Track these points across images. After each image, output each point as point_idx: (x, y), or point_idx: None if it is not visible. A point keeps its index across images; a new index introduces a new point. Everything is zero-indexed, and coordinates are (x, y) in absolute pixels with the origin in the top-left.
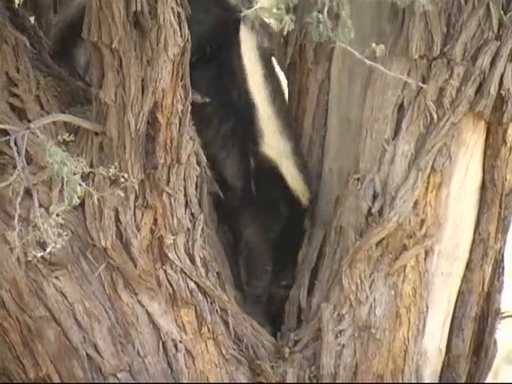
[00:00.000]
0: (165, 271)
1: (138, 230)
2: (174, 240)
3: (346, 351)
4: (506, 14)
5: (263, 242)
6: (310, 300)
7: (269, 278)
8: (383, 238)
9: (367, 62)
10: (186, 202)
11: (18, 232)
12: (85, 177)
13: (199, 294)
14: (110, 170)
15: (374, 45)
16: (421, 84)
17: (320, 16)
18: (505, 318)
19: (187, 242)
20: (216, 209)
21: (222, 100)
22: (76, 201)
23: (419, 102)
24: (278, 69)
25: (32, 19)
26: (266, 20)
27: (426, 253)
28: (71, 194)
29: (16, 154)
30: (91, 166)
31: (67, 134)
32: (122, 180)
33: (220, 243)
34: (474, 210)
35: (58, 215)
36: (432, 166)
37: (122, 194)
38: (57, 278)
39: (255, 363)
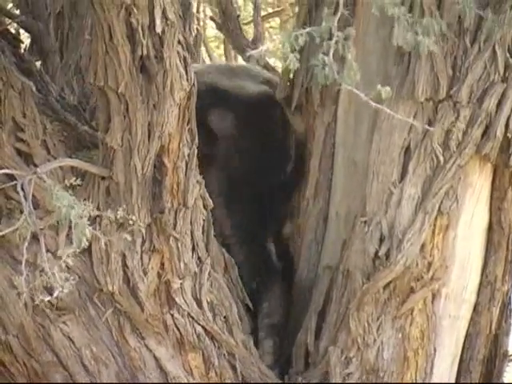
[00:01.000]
0: (172, 315)
1: (145, 274)
2: (180, 284)
3: None
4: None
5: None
6: (318, 343)
7: None
8: (390, 281)
9: (373, 104)
10: (193, 246)
11: (25, 277)
12: (92, 221)
13: (206, 339)
14: (118, 213)
15: (379, 86)
16: (427, 127)
17: (326, 58)
18: None
19: (194, 286)
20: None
21: None
22: (85, 244)
23: (426, 144)
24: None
25: (38, 64)
26: (272, 63)
27: (434, 295)
28: (80, 236)
29: (23, 198)
30: (98, 209)
31: (74, 179)
32: (129, 223)
33: (227, 287)
34: (480, 252)
35: (66, 261)
36: (439, 209)
37: (129, 239)
38: (64, 322)
39: None
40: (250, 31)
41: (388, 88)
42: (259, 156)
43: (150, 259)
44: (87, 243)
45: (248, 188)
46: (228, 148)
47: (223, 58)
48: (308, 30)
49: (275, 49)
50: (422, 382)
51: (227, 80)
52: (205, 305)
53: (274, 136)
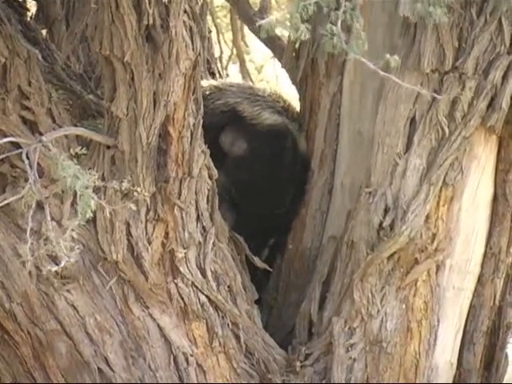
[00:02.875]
0: (176, 285)
1: (150, 243)
2: (185, 253)
3: (357, 365)
4: None
5: None
6: (321, 314)
7: None
8: (395, 252)
9: (381, 73)
10: (198, 216)
11: (30, 245)
12: (96, 190)
13: (210, 308)
14: (123, 183)
15: (388, 56)
16: (434, 94)
17: (334, 28)
18: None
19: (198, 255)
20: None
21: None
22: (90, 215)
23: (431, 115)
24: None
25: (44, 32)
26: (278, 33)
27: (438, 267)
28: (85, 208)
29: (28, 167)
30: (103, 179)
31: (79, 148)
32: (134, 193)
33: (231, 257)
34: (485, 224)
35: (70, 230)
36: (444, 180)
37: (134, 208)
38: (68, 291)
39: (266, 377)
40: (256, 0)
41: (396, 57)
42: (265, 181)
43: (154, 228)
44: (92, 215)
45: (249, 210)
46: (235, 168)
47: (229, 27)
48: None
49: (283, 19)
50: (425, 353)
51: (247, 105)
52: (209, 274)
53: (282, 164)
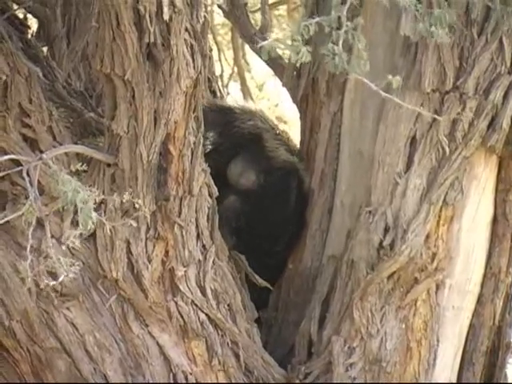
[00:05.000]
0: (176, 303)
1: (150, 261)
2: (185, 272)
3: None
4: None
5: None
6: (321, 333)
7: None
8: (394, 272)
9: (383, 93)
10: (198, 234)
11: (30, 262)
12: (97, 207)
13: (210, 326)
14: (124, 196)
15: (390, 77)
16: (434, 115)
17: (335, 48)
18: None
19: (198, 273)
20: None
21: None
22: (91, 227)
23: (431, 135)
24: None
25: (45, 49)
26: (279, 52)
27: (438, 286)
28: (86, 220)
29: (28, 184)
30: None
31: (79, 165)
32: (134, 210)
33: (231, 275)
34: (485, 243)
35: (71, 247)
36: (444, 200)
37: (134, 225)
38: (68, 308)
39: None
40: (257, 18)
41: (398, 77)
42: (265, 217)
43: (154, 246)
44: (93, 226)
45: (248, 240)
46: (240, 199)
47: (230, 46)
48: (318, 19)
49: (285, 37)
50: (424, 372)
51: (271, 136)
52: (209, 292)
53: (287, 203)
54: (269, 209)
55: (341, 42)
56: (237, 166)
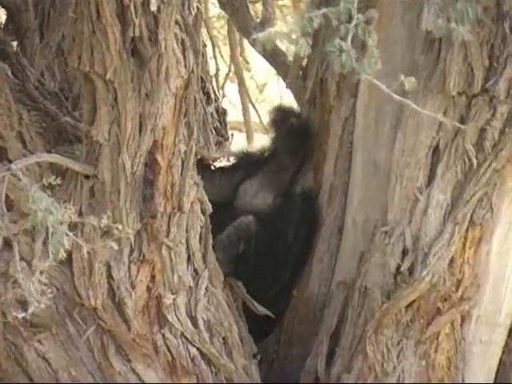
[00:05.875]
0: (163, 335)
1: (133, 287)
2: (173, 300)
3: None
4: None
5: None
6: (329, 370)
7: None
8: (414, 301)
9: (397, 97)
10: (189, 257)
11: None
12: (73, 226)
13: (202, 362)
14: (102, 219)
15: (402, 77)
16: (459, 124)
17: (343, 44)
18: None
19: (189, 302)
20: None
21: None
22: (62, 254)
23: (457, 144)
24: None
25: (14, 44)
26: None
27: (463, 318)
28: (57, 246)
29: None
30: (80, 214)
31: (53, 177)
32: (116, 231)
33: (226, 304)
34: None
35: (41, 272)
36: (471, 219)
37: (116, 247)
38: (39, 341)
39: None
40: (258, 10)
41: (413, 78)
42: (269, 251)
43: (138, 271)
44: (66, 253)
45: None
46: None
47: (227, 41)
48: (324, 11)
49: (289, 30)
50: None
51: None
52: (201, 324)
53: (299, 230)
54: (279, 235)
55: (349, 38)
56: (253, 184)
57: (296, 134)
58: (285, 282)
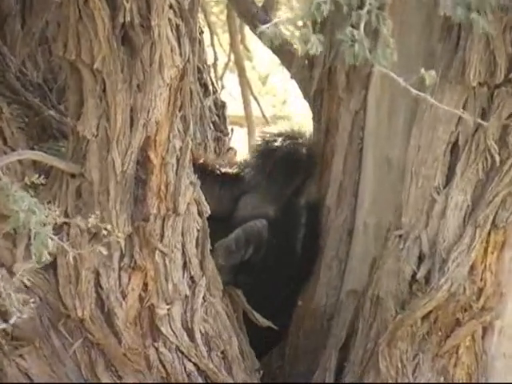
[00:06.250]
0: (156, 349)
1: (124, 297)
2: (168, 310)
3: None
4: None
5: None
6: None
7: None
8: (431, 311)
9: (413, 91)
10: (185, 263)
11: None
12: (58, 229)
13: (199, 379)
14: (90, 220)
15: (422, 70)
16: (480, 121)
17: (355, 33)
18: None
19: (185, 312)
20: None
21: None
22: (47, 259)
23: (478, 140)
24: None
25: None
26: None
27: (485, 330)
28: (40, 249)
29: None
30: (66, 215)
31: (36, 176)
32: (105, 234)
33: (226, 314)
34: None
35: (23, 278)
36: (493, 222)
37: (105, 252)
38: (21, 356)
39: None
40: None
41: (433, 72)
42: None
43: (129, 278)
44: (50, 258)
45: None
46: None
47: (226, 28)
48: None
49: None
50: None
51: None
52: (198, 337)
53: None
54: (285, 247)
55: (362, 26)
56: (253, 198)
57: (284, 166)
58: (288, 295)
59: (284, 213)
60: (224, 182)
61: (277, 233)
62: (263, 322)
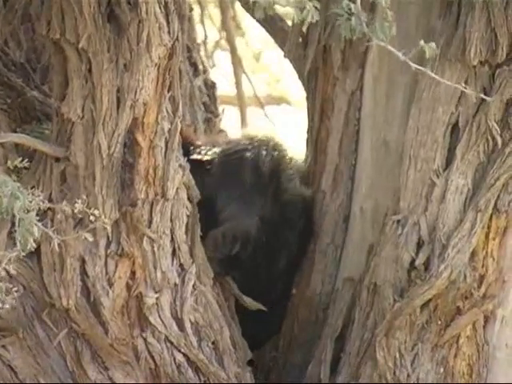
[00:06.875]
0: (144, 340)
1: (111, 285)
2: (156, 299)
3: None
4: None
5: None
6: (334, 379)
7: None
8: (430, 299)
9: (413, 65)
10: (174, 250)
11: None
12: (42, 215)
13: (189, 370)
14: (75, 206)
15: (422, 42)
16: (483, 96)
17: (352, 6)
18: None
19: (174, 301)
20: None
21: None
22: (31, 246)
23: (479, 121)
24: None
25: None
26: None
27: (486, 319)
28: (25, 236)
29: None
30: (50, 201)
31: (19, 160)
32: (91, 219)
33: (217, 303)
34: None
35: (7, 267)
36: (495, 206)
37: (90, 239)
38: (4, 347)
39: None
40: None
41: (433, 44)
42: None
43: (116, 266)
44: (34, 245)
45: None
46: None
47: (217, 4)
48: None
49: None
50: None
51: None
52: (188, 326)
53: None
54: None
55: None
56: (232, 211)
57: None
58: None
59: (270, 212)
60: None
61: (266, 231)
62: (253, 305)
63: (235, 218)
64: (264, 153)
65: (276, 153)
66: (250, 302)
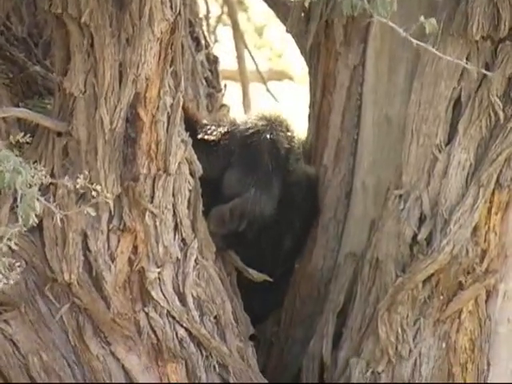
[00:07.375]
0: (147, 314)
1: (113, 260)
2: (158, 274)
3: None
4: None
5: None
6: (336, 354)
7: None
8: (432, 274)
9: (414, 41)
10: (176, 225)
11: None
12: (44, 190)
13: (191, 345)
14: (78, 181)
15: (422, 18)
16: (484, 71)
17: None
18: None
19: (176, 276)
20: None
21: None
22: (33, 221)
23: (481, 96)
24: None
25: None
26: None
27: (488, 294)
28: (27, 211)
29: None
30: (52, 175)
31: (21, 135)
32: (93, 194)
33: (219, 278)
34: None
35: (9, 240)
36: (497, 181)
37: (93, 213)
38: (6, 321)
39: None
40: None
41: (433, 20)
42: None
43: (118, 241)
44: (37, 220)
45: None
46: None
47: None
48: None
49: None
50: None
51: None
52: (190, 301)
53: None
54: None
55: None
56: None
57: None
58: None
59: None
60: (209, 152)
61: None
62: (258, 276)
63: (253, 199)
64: (282, 134)
65: (289, 133)
66: (255, 274)
